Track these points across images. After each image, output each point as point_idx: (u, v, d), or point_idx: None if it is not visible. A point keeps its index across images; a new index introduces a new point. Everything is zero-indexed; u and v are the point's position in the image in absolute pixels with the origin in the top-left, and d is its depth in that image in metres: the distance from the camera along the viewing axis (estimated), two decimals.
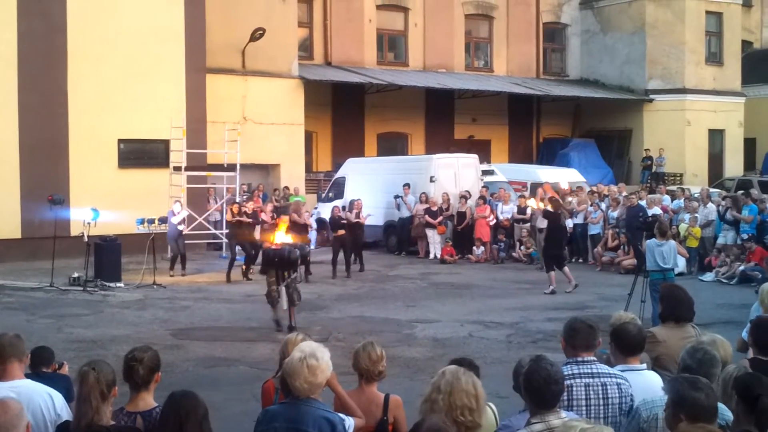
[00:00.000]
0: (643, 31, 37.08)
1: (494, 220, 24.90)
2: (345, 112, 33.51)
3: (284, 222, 15.09)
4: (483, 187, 26.05)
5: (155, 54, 25.16)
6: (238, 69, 28.54)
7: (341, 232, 21.53)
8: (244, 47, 28.20)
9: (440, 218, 24.90)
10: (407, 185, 25.72)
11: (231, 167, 25.60)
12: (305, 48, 33.04)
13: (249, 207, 21.44)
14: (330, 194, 27.59)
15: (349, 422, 5.06)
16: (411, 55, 35.76)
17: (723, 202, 23.50)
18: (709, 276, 21.06)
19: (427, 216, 24.89)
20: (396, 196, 26.01)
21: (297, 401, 4.85)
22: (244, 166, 26.33)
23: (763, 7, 45.53)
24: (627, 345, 5.92)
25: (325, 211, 26.32)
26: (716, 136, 37.87)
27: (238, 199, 23.94)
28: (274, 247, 13.29)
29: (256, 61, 28.63)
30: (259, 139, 27.97)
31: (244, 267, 20.53)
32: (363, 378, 5.80)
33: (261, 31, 27.75)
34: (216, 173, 25.80)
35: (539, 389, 4.62)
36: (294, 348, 5.12)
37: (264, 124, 28.69)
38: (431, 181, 25.65)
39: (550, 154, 36.62)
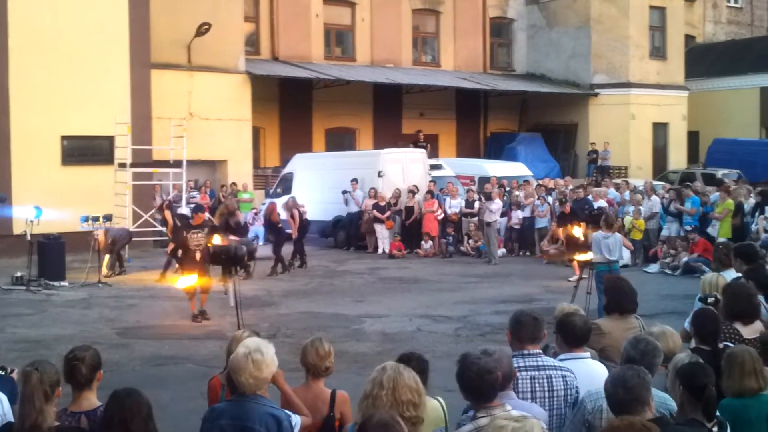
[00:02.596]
0: (588, 26, 37.48)
1: (442, 215, 24.99)
2: (292, 107, 33.40)
3: (200, 219, 15.10)
4: (431, 181, 26.13)
5: (99, 49, 24.77)
6: (184, 64, 28.26)
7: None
8: (189, 42, 27.93)
9: (388, 213, 24.93)
10: (355, 180, 25.69)
11: (177, 163, 25.34)
12: (252, 43, 32.82)
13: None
14: (278, 190, 27.46)
15: (296, 419, 5.05)
16: (358, 50, 35.74)
17: (667, 195, 23.85)
18: (653, 267, 21.37)
19: (375, 211, 24.90)
20: (344, 192, 25.97)
21: (243, 398, 4.83)
22: (190, 163, 26.04)
23: (706, 1, 46.28)
24: (573, 336, 6.00)
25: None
26: (660, 130, 38.43)
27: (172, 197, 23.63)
28: (220, 243, 13.22)
29: (202, 57, 28.37)
30: (205, 135, 27.73)
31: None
32: (310, 374, 5.81)
33: (207, 26, 27.51)
34: (162, 170, 25.48)
35: (474, 384, 4.66)
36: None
37: (211, 119, 28.45)
38: (379, 176, 25.65)
39: (498, 148, 36.88)
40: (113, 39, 25.08)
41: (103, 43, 24.89)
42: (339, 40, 36.06)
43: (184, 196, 24.79)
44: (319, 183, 26.36)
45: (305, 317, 15.45)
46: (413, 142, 31.06)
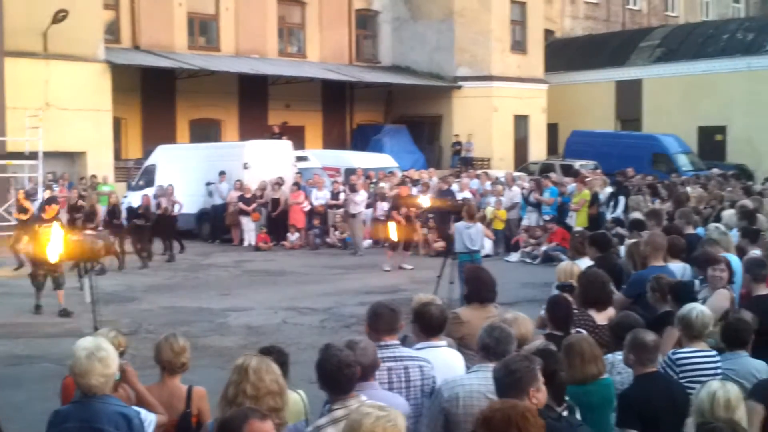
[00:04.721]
0: (452, 19, 38.03)
1: (308, 206, 24.96)
2: (155, 97, 32.69)
3: (53, 211, 14.77)
4: (297, 173, 26.06)
5: None
6: (40, 52, 27.24)
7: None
8: (46, 29, 26.94)
9: (254, 205, 24.73)
10: (223, 173, 25.38)
11: (33, 155, 24.49)
12: (112, 31, 31.95)
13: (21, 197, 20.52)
14: (140, 182, 26.84)
15: (150, 417, 4.95)
16: (223, 39, 35.25)
17: (527, 185, 24.47)
18: (514, 256, 21.90)
19: (240, 203, 24.66)
20: (208, 183, 25.63)
21: (89, 399, 4.68)
22: (47, 154, 25.23)
23: None
24: (429, 326, 6.08)
25: (136, 199, 25.61)
26: (521, 122, 39.38)
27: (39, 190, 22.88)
28: (77, 237, 12.86)
29: (60, 44, 27.41)
30: (63, 125, 26.85)
31: None
32: (165, 371, 5.74)
33: (64, 13, 26.60)
34: (17, 162, 24.61)
35: (333, 376, 4.69)
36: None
37: (69, 110, 27.54)
38: (245, 167, 25.41)
39: (364, 140, 37.02)
40: None
41: None
42: (203, 29, 35.48)
43: (41, 190, 23.94)
44: (183, 175, 25.85)
45: (168, 312, 15.20)
46: (270, 134, 30.89)
